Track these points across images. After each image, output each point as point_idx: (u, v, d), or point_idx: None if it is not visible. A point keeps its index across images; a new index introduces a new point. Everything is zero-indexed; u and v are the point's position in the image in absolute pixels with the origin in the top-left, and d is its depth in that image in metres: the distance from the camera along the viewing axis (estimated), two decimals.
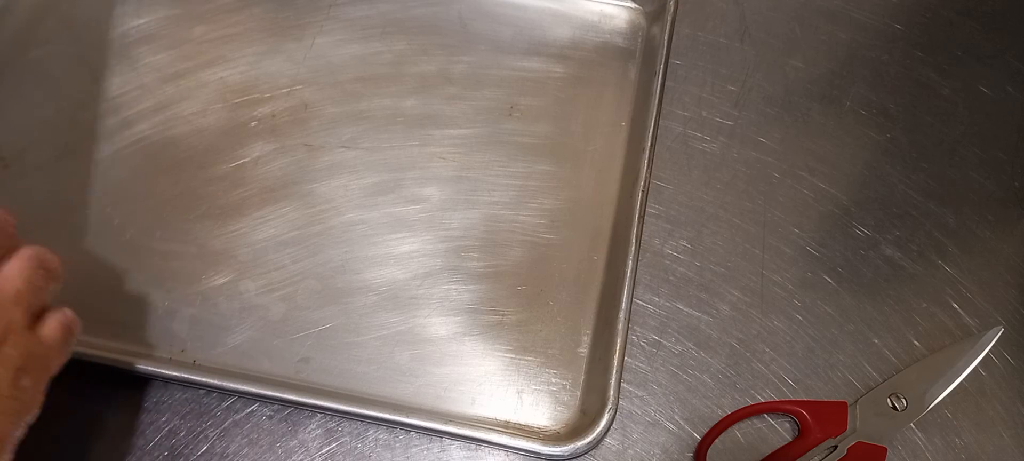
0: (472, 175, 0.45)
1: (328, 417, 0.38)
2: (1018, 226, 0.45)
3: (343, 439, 0.38)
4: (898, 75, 0.49)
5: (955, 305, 0.43)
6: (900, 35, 0.51)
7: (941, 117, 0.48)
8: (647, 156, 0.43)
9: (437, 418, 0.38)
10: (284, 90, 0.47)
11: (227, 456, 0.37)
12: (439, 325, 0.41)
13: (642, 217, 0.41)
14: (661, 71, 0.46)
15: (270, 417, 0.38)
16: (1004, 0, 0.52)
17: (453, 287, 0.42)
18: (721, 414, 0.39)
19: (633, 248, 0.40)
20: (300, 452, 0.38)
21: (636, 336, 0.41)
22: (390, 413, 0.38)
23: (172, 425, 0.38)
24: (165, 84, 0.47)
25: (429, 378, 0.40)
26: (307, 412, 0.38)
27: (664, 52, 0.46)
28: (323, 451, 0.38)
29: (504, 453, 0.38)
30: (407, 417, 0.37)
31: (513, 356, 0.40)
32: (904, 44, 0.50)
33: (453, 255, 0.43)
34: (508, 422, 0.39)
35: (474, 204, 0.44)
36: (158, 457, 0.37)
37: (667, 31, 0.47)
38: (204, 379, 0.38)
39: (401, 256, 0.42)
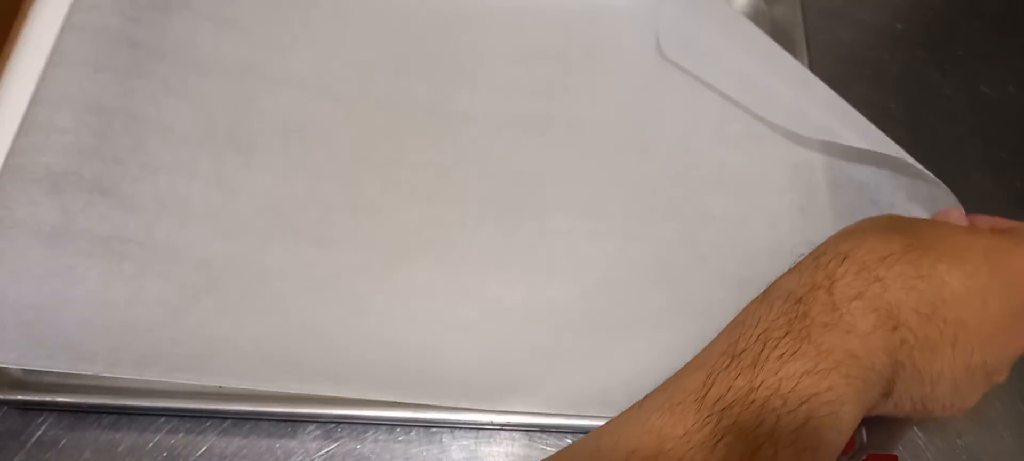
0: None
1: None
2: None
3: (342, 440, 0.38)
4: (899, 75, 0.49)
5: None
6: (902, 35, 0.51)
7: (943, 117, 0.48)
8: None
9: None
10: None
11: (226, 457, 0.37)
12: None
13: None
14: None
15: (269, 418, 0.38)
16: (1006, 0, 0.52)
17: None
18: None
19: None
20: (299, 453, 0.38)
21: None
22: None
23: (171, 425, 0.38)
24: None
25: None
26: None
27: None
28: (322, 452, 0.38)
29: (505, 447, 0.38)
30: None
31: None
32: (906, 44, 0.50)
33: None
34: None
35: None
36: (157, 458, 0.37)
37: None
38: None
39: None
